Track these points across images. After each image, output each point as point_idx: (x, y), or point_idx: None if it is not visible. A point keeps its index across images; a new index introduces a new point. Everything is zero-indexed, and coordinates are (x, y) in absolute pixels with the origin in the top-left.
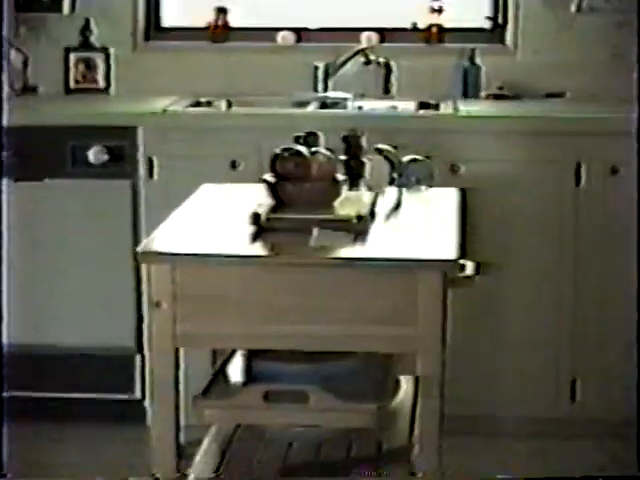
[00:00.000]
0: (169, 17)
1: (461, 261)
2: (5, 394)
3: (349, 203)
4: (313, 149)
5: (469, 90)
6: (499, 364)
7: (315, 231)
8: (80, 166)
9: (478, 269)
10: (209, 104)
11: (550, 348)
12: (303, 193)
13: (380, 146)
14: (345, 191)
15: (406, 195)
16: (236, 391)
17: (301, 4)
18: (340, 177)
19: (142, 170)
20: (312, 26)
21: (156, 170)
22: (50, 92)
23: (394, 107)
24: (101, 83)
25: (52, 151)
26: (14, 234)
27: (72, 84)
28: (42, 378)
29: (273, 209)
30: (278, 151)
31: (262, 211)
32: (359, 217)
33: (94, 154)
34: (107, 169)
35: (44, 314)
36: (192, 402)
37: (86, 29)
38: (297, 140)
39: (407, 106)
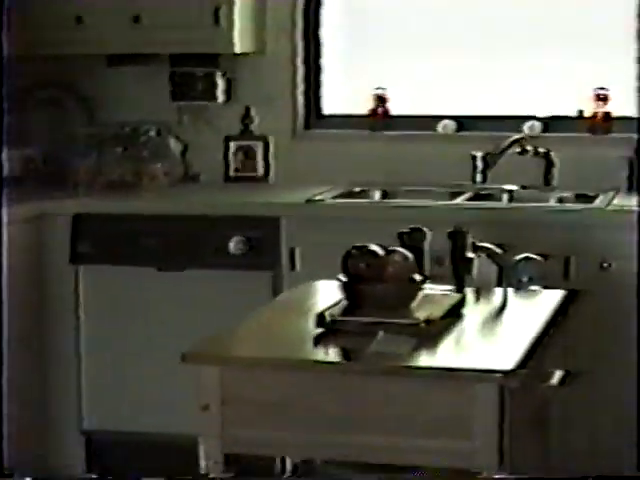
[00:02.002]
0: (329, 105)
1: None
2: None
3: (428, 304)
4: (390, 248)
5: (634, 183)
6: None
7: (380, 335)
8: (220, 256)
9: (565, 378)
10: (363, 193)
11: None
12: (376, 294)
13: (483, 244)
14: (430, 291)
15: (511, 296)
16: None
17: (462, 92)
18: (418, 277)
19: (284, 261)
20: (473, 114)
21: (298, 261)
22: (210, 180)
23: (554, 199)
24: (260, 171)
25: (194, 241)
26: (155, 321)
27: (232, 172)
28: (120, 464)
29: (346, 310)
30: (351, 250)
31: (331, 312)
32: (427, 321)
33: (234, 244)
34: (247, 260)
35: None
36: None
37: (246, 117)
38: (401, 236)
39: (564, 196)
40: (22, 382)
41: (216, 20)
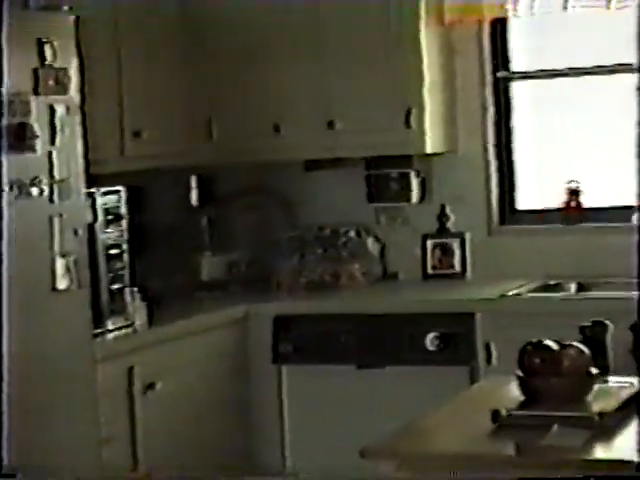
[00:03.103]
0: (522, 199)
1: None
2: None
3: (604, 397)
4: (565, 342)
5: None
6: None
7: (554, 428)
8: (417, 353)
9: None
10: (558, 286)
11: None
12: (551, 388)
13: None
14: (609, 384)
15: None
16: None
17: None
18: (593, 371)
19: (480, 356)
20: None
21: (494, 355)
22: (408, 278)
23: None
24: (457, 268)
25: (391, 338)
26: (356, 417)
27: (429, 269)
28: None
29: (522, 404)
30: (527, 346)
31: (507, 407)
32: (601, 414)
33: (431, 340)
34: (443, 355)
35: None
36: None
37: (442, 215)
38: (583, 330)
39: None
40: None
41: (407, 122)
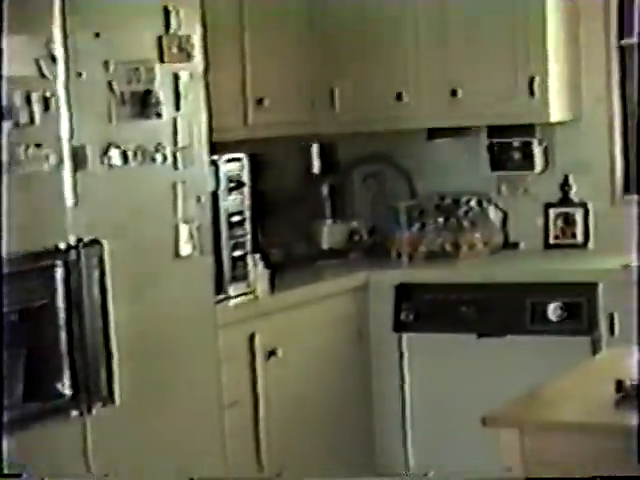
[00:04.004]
0: None
1: None
2: None
3: None
4: None
5: None
6: None
7: None
8: (539, 323)
9: None
10: None
11: None
12: None
13: None
14: None
15: None
16: None
17: None
18: None
19: (603, 326)
20: None
21: (617, 326)
22: (530, 248)
23: None
24: (579, 238)
25: (512, 308)
26: (475, 385)
27: (551, 239)
28: None
29: None
30: None
31: (630, 378)
32: None
33: (553, 311)
34: (566, 325)
35: None
36: None
37: (565, 185)
38: None
39: None
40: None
41: (531, 91)
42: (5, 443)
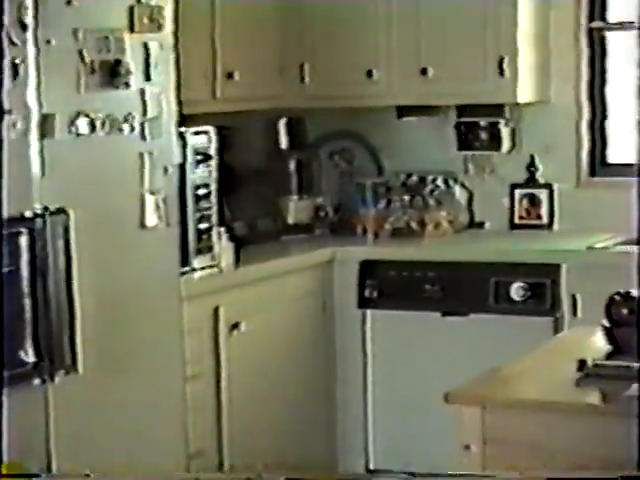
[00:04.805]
0: (614, 152)
1: None
2: None
3: None
4: None
5: None
6: None
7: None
8: (503, 302)
9: None
10: None
11: None
12: (637, 339)
13: None
14: None
15: None
16: None
17: None
18: None
19: (565, 307)
20: None
21: (579, 308)
22: (495, 228)
23: None
24: (544, 219)
25: (476, 287)
26: (437, 363)
27: (517, 220)
28: None
29: (608, 355)
30: (615, 296)
31: (593, 357)
32: None
33: (516, 290)
34: (528, 306)
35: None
36: None
37: (531, 166)
38: None
39: None
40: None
41: (500, 71)
42: None
